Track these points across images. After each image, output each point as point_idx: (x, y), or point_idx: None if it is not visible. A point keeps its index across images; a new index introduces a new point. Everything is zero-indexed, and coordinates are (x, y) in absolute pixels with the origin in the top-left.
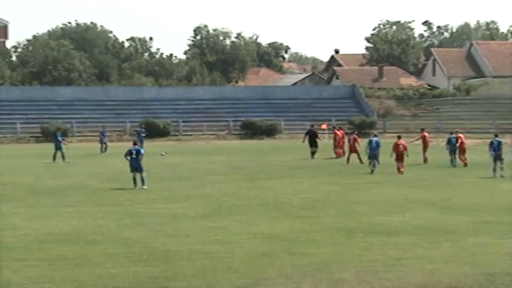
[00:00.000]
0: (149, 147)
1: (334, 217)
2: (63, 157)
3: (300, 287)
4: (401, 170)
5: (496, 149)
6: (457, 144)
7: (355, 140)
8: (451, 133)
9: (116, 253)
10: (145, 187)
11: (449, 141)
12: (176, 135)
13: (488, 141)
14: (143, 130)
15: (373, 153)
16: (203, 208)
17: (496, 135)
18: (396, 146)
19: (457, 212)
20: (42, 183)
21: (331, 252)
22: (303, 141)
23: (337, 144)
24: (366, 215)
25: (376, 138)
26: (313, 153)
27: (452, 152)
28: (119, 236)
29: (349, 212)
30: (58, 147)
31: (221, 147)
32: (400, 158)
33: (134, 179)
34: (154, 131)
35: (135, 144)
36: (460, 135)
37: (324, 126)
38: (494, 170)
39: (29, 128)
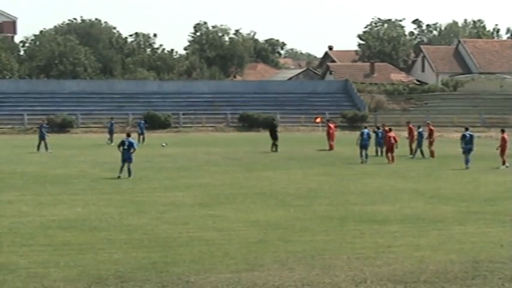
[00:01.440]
0: (150, 138)
1: (326, 206)
2: (46, 147)
3: (293, 273)
4: (392, 160)
5: (468, 142)
6: (427, 137)
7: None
8: (419, 127)
9: (118, 239)
10: (131, 177)
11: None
12: (176, 127)
13: (475, 134)
14: (142, 122)
15: (365, 144)
16: (202, 197)
17: (467, 129)
18: (387, 138)
19: (444, 202)
20: (48, 172)
21: (324, 240)
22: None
23: (330, 136)
24: (357, 205)
25: (367, 130)
26: (274, 145)
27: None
28: (121, 223)
29: (341, 201)
30: (42, 137)
31: (219, 139)
32: (390, 149)
33: (122, 168)
34: (155, 123)
35: (128, 136)
36: (432, 127)
37: (318, 120)
38: (466, 161)
39: (36, 119)
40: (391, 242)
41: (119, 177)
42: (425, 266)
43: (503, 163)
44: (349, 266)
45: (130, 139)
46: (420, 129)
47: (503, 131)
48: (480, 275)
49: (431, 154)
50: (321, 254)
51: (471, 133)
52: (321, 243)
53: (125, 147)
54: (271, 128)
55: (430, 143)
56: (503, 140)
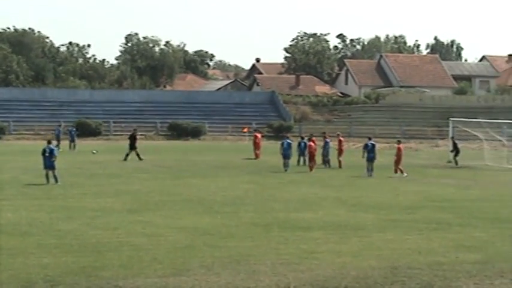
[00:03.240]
0: (81, 145)
1: (252, 213)
2: None
3: (219, 278)
4: (312, 168)
5: (370, 151)
6: (337, 147)
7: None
8: (325, 137)
9: (48, 244)
10: (59, 183)
11: (325, 145)
12: (107, 134)
13: (399, 145)
14: (74, 129)
15: (286, 153)
16: (131, 203)
17: (370, 138)
18: (308, 147)
19: (365, 210)
20: None
21: (249, 246)
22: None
23: (256, 146)
24: (281, 212)
25: (288, 140)
26: (127, 155)
27: (326, 154)
28: (51, 228)
29: (267, 208)
30: None
31: (149, 147)
32: (311, 157)
33: (47, 176)
34: (86, 131)
35: (49, 143)
36: (341, 138)
37: (245, 130)
38: (368, 169)
39: None
40: (314, 248)
41: (47, 184)
42: (346, 271)
43: (396, 171)
44: (273, 271)
45: (50, 146)
46: (327, 140)
47: (399, 142)
48: (399, 281)
49: (339, 164)
50: (246, 260)
51: (373, 142)
52: (246, 249)
53: (46, 154)
54: (130, 137)
55: (339, 153)
56: (399, 151)
